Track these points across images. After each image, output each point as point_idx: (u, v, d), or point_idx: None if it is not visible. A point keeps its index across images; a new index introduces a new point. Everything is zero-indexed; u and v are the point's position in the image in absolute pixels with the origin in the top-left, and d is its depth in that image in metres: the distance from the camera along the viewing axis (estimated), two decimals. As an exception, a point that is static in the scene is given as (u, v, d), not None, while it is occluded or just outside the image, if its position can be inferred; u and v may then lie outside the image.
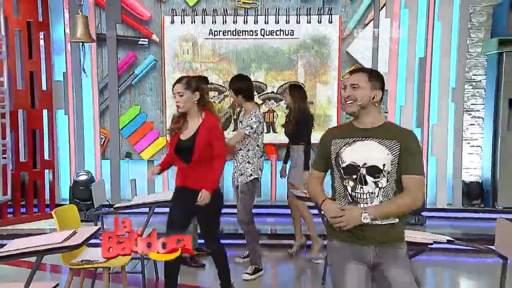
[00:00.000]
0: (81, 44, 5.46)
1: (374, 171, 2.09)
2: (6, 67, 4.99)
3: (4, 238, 4.47)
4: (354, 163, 2.13)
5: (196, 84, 3.25)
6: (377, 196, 2.10)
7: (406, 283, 2.12)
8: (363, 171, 2.10)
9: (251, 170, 4.03)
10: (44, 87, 5.58)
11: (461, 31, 5.75)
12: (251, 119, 3.98)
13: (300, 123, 4.51)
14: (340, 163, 2.15)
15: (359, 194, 2.11)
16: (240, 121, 4.17)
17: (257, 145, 4.07)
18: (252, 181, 4.05)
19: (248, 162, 4.02)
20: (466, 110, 6.02)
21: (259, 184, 4.32)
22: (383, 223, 2.09)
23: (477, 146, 6.13)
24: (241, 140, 4.02)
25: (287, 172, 4.76)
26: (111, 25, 5.76)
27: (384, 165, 2.08)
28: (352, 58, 5.87)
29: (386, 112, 5.77)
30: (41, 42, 5.56)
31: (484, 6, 5.94)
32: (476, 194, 5.91)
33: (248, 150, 4.03)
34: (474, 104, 6.11)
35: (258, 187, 4.46)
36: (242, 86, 4.02)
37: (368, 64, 5.73)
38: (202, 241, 3.98)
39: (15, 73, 5.32)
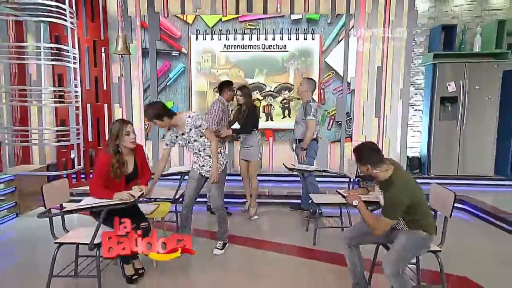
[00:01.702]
0: (120, 55, 5.52)
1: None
2: (79, 73, 5.05)
3: (79, 195, 4.57)
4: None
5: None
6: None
7: (401, 240, 2.30)
8: None
9: (221, 160, 3.39)
10: (104, 87, 5.69)
11: (407, 47, 5.80)
12: (199, 122, 3.21)
13: (250, 114, 4.28)
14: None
15: None
16: (183, 133, 3.25)
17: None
18: (223, 171, 3.41)
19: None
20: (410, 105, 6.11)
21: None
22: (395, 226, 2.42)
23: (417, 130, 6.22)
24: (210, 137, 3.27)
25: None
26: (152, 41, 5.84)
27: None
28: (329, 66, 5.91)
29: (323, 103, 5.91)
30: (103, 54, 5.64)
31: (424, 29, 6.02)
32: (416, 166, 6.06)
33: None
34: (416, 100, 6.19)
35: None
36: (159, 111, 3.07)
37: (340, 70, 5.84)
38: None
39: (84, 77, 5.42)
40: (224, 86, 4.38)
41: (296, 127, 4.54)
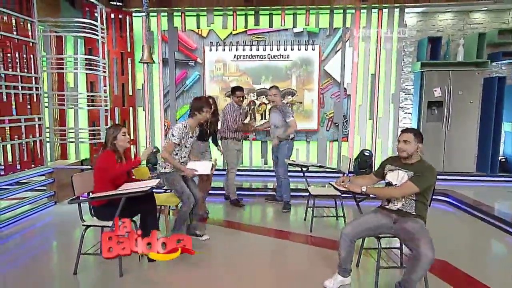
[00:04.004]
0: (146, 64, 5.62)
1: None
2: (108, 81, 5.16)
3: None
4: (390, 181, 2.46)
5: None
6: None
7: (415, 226, 2.24)
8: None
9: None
10: (130, 93, 5.73)
11: (398, 57, 5.76)
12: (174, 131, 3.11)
13: (212, 125, 4.10)
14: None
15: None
16: (191, 136, 3.20)
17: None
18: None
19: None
20: (401, 108, 6.05)
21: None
22: (401, 209, 2.39)
23: (407, 131, 6.18)
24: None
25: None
26: (171, 52, 5.90)
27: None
28: (328, 74, 5.87)
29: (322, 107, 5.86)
30: (129, 65, 5.68)
31: (412, 41, 5.96)
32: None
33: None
34: (406, 104, 6.11)
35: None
36: (201, 104, 3.14)
37: (338, 77, 5.80)
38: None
39: (113, 84, 5.49)
40: (233, 91, 4.47)
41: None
